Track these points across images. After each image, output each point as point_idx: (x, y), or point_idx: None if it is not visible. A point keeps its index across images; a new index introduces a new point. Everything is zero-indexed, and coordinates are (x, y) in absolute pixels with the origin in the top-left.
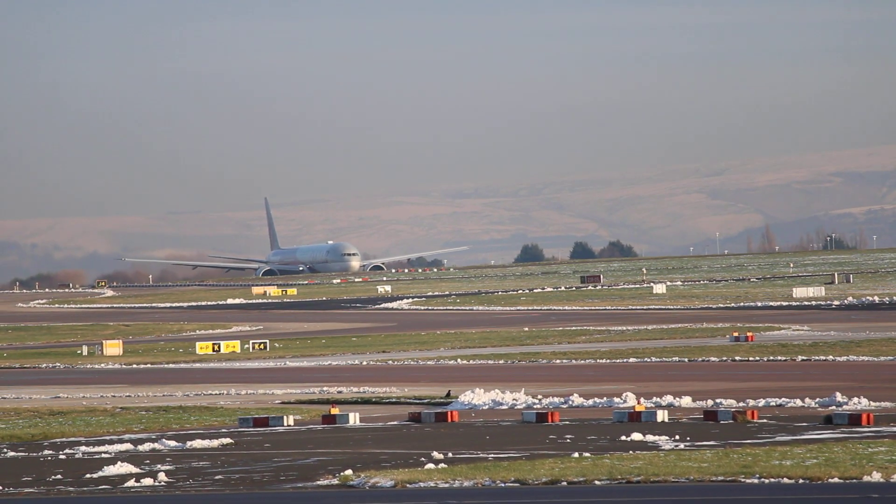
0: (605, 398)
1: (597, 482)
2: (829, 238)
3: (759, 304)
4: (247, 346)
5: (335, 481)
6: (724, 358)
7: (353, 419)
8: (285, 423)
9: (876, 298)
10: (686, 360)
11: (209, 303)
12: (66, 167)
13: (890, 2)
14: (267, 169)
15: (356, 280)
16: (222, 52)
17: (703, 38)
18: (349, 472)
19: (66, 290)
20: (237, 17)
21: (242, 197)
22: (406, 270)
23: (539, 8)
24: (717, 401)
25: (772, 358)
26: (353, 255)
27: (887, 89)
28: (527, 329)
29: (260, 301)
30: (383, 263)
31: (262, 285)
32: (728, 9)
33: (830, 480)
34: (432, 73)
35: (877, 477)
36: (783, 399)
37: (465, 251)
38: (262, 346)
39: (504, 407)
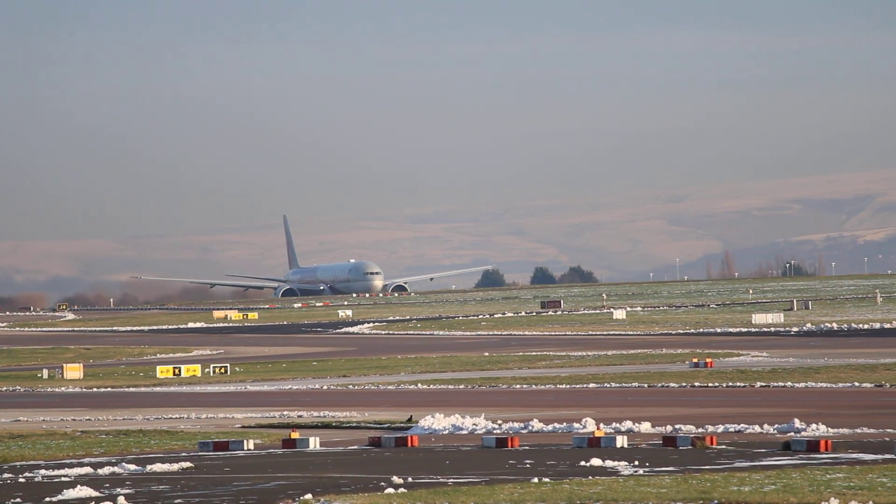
0: (564, 423)
1: None
2: (788, 265)
3: (719, 330)
4: (207, 369)
5: None
6: (684, 384)
7: (314, 443)
8: (245, 448)
9: (834, 325)
10: (646, 385)
11: (170, 326)
12: (28, 191)
13: (841, 30)
14: (228, 193)
15: (317, 304)
16: (183, 76)
17: (661, 65)
18: (309, 496)
19: (27, 313)
20: (190, 39)
21: (203, 221)
22: (367, 295)
23: (497, 36)
24: (677, 426)
25: (731, 384)
26: (377, 273)
27: (846, 117)
28: (487, 354)
29: (221, 325)
30: (405, 283)
31: (223, 309)
32: (687, 37)
33: None
34: (394, 97)
35: (834, 503)
36: (742, 425)
37: (479, 270)
38: (222, 370)
39: (464, 432)
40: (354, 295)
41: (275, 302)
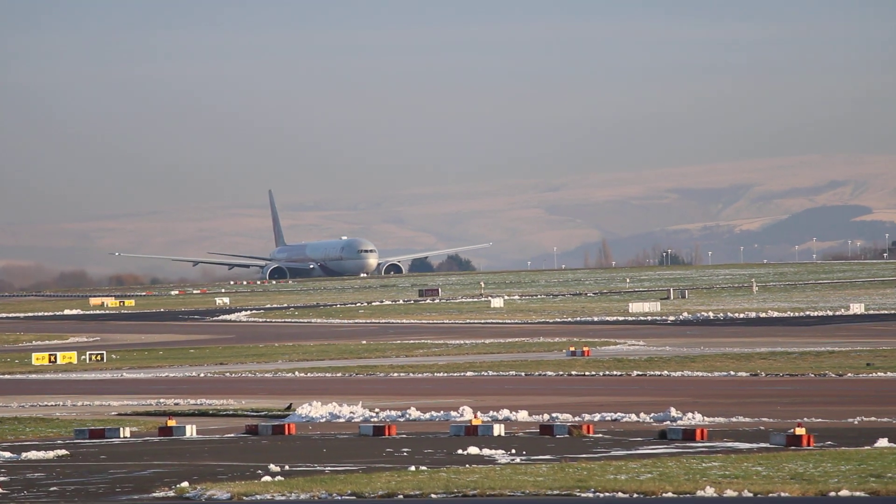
0: (442, 412)
1: (433, 495)
2: (664, 254)
3: (596, 318)
4: (84, 357)
5: (171, 493)
6: (561, 372)
7: (190, 431)
8: (121, 435)
9: (710, 314)
10: (523, 374)
11: (46, 313)
12: None
13: (723, 22)
14: (104, 181)
15: (194, 292)
16: (41, 64)
17: (538, 56)
18: (185, 484)
19: None
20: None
21: (78, 208)
22: (245, 283)
23: (369, 25)
24: (554, 415)
25: (607, 373)
26: (371, 251)
27: (722, 107)
28: (365, 342)
29: (97, 312)
30: (399, 262)
31: (99, 296)
32: (563, 27)
33: (664, 495)
34: (270, 85)
35: (710, 492)
36: (618, 414)
37: (486, 248)
38: (99, 358)
39: (341, 420)
40: (404, 263)
41: (152, 289)
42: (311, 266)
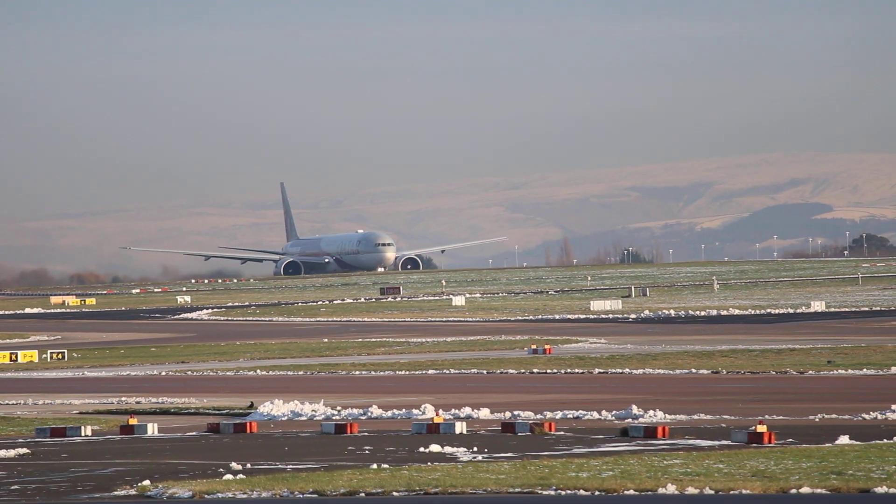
0: (403, 410)
1: (395, 493)
2: (626, 252)
3: (557, 316)
4: (45, 355)
5: (133, 492)
6: (522, 370)
7: (152, 430)
8: (83, 434)
9: (672, 312)
10: (485, 372)
11: (6, 312)
12: None
13: (683, 21)
14: (63, 179)
15: (156, 290)
16: (2, 61)
17: (499, 55)
18: (147, 482)
19: None
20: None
21: (38, 206)
22: (206, 281)
23: (330, 24)
24: (515, 413)
25: (569, 370)
26: (388, 245)
27: (683, 106)
28: (326, 340)
29: (58, 311)
30: (417, 255)
31: (60, 295)
32: (523, 26)
33: (626, 492)
34: (231, 84)
35: (671, 489)
36: (580, 411)
37: (502, 240)
38: (59, 356)
39: (303, 418)
40: (423, 257)
41: (113, 288)
42: (327, 260)
